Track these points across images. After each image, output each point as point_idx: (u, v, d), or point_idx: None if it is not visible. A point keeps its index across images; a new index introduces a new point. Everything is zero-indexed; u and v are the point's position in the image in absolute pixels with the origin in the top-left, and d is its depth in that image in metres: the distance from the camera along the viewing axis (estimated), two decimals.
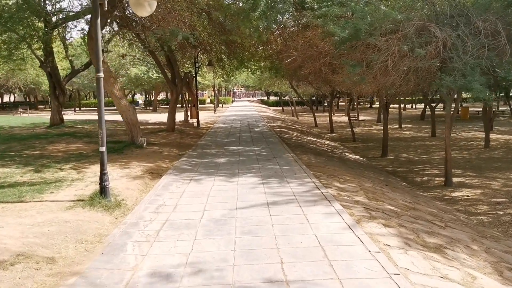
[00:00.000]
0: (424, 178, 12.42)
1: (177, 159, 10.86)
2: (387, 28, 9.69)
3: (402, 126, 29.18)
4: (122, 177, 7.93)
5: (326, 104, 56.32)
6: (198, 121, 21.33)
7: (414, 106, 51.00)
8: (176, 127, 20.64)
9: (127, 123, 12.43)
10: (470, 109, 35.18)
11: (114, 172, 8.31)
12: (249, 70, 21.11)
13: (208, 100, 72.77)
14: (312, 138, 19.22)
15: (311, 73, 14.09)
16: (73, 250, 4.47)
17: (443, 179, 12.07)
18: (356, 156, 15.89)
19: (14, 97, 62.53)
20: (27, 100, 60.67)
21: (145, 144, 12.48)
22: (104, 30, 15.55)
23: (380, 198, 7.33)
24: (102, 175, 6.16)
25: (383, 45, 9.67)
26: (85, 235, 4.91)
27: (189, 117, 25.33)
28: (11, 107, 52.91)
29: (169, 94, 42.21)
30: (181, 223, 5.35)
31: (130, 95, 60.91)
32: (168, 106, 50.47)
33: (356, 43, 10.23)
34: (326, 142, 19.53)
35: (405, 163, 15.05)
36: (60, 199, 6.33)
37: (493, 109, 25.33)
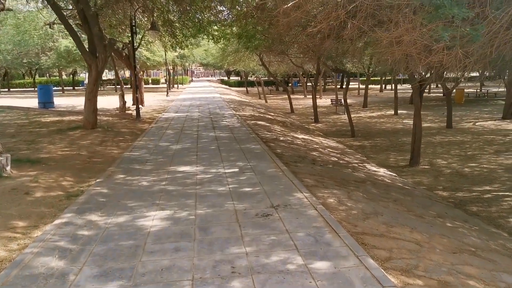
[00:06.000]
0: None
1: (58, 213, 4.80)
2: None
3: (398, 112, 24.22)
4: None
5: (297, 84, 51.46)
6: (138, 111, 15.03)
7: (384, 87, 45.68)
8: (106, 119, 14.41)
9: None
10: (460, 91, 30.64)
11: None
12: (211, 38, 14.99)
13: (163, 80, 65.14)
14: (304, 136, 13.46)
15: (321, 33, 8.18)
16: None
17: None
18: (382, 169, 10.32)
19: None
20: None
21: (8, 168, 6.30)
22: None
23: None
24: None
25: None
26: None
27: (128, 103, 19.02)
28: None
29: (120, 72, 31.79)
30: None
31: (68, 74, 52.54)
32: (115, 86, 41.85)
33: None
34: (323, 141, 13.85)
35: (458, 181, 9.66)
36: None
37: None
